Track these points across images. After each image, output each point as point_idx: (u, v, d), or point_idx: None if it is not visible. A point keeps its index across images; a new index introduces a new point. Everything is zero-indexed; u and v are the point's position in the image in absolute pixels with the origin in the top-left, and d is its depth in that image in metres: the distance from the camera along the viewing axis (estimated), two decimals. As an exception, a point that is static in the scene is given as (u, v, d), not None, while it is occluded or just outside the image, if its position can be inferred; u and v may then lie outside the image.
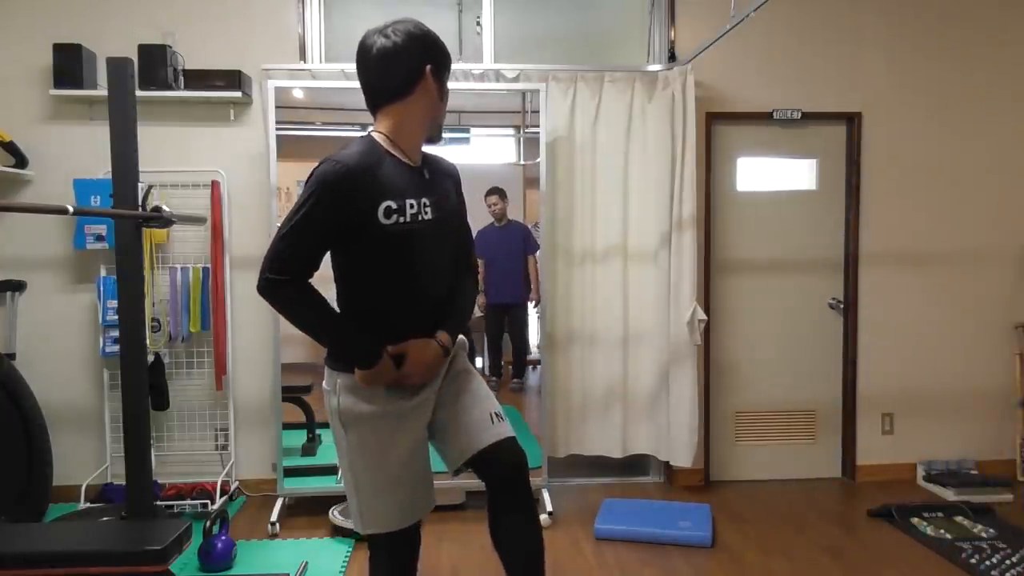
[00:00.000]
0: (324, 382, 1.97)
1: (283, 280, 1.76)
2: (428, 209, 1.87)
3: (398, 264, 1.84)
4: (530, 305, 4.02)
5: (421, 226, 1.85)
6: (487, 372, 4.13)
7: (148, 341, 3.18)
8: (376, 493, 1.92)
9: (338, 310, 1.92)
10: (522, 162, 3.96)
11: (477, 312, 4.00)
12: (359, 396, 1.88)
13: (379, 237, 1.79)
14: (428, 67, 1.86)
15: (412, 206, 1.83)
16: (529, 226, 3.97)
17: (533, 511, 2.00)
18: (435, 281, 1.94)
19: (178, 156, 3.91)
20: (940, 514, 3.74)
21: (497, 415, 1.99)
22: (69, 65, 3.71)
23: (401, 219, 1.80)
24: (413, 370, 1.89)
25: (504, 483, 1.96)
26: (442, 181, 1.98)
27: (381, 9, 4.25)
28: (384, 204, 1.78)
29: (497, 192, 3.95)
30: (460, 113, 3.99)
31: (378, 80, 1.87)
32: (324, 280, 1.90)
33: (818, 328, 4.30)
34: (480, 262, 3.91)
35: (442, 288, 1.98)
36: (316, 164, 1.81)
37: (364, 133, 1.92)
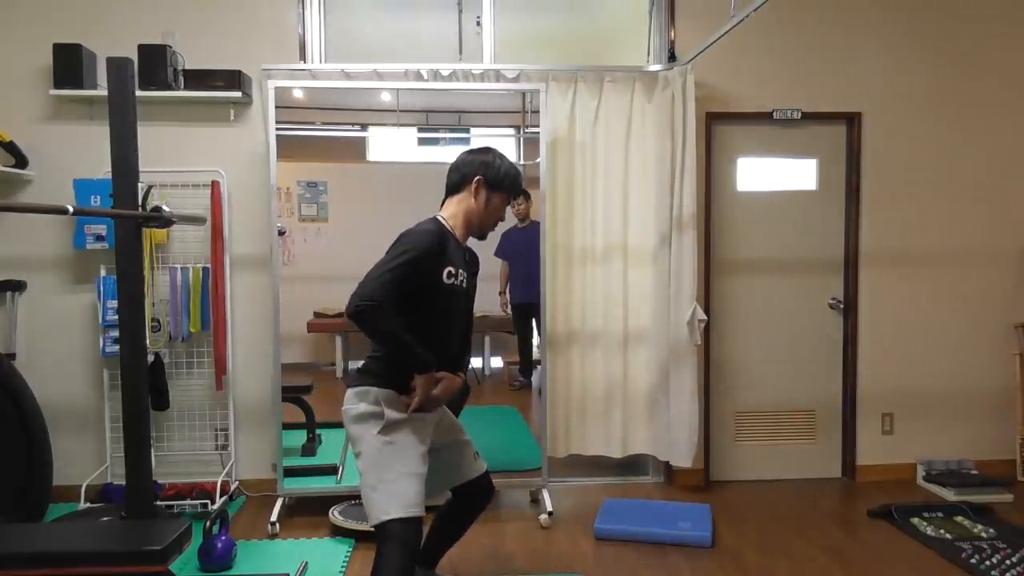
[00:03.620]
0: (350, 403, 2.41)
1: (376, 305, 2.26)
2: (464, 280, 2.50)
3: (444, 310, 2.46)
4: None
5: (461, 288, 2.49)
6: (517, 373, 4.13)
7: (148, 341, 3.18)
8: (399, 480, 2.33)
9: None
10: (522, 162, 3.96)
11: (495, 312, 4.04)
12: (395, 408, 2.40)
13: (438, 290, 2.41)
14: (478, 178, 2.50)
15: (461, 274, 2.47)
16: None
17: None
18: (459, 326, 2.57)
19: (178, 156, 3.91)
20: (940, 514, 3.74)
21: (476, 454, 2.70)
22: (69, 65, 3.70)
23: (454, 282, 2.44)
24: (441, 394, 2.45)
25: (478, 503, 2.72)
26: (473, 264, 2.65)
27: (381, 9, 4.26)
28: (447, 269, 2.41)
29: (521, 192, 3.95)
30: (460, 113, 4.00)
31: (449, 177, 2.56)
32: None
33: (818, 328, 4.30)
34: (504, 263, 3.93)
35: (462, 333, 2.61)
36: (406, 232, 2.41)
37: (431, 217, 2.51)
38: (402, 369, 2.37)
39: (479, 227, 2.57)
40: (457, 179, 2.54)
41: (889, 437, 4.30)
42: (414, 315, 2.37)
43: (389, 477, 2.32)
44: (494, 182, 2.53)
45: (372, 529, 2.33)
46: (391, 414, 2.37)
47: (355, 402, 2.41)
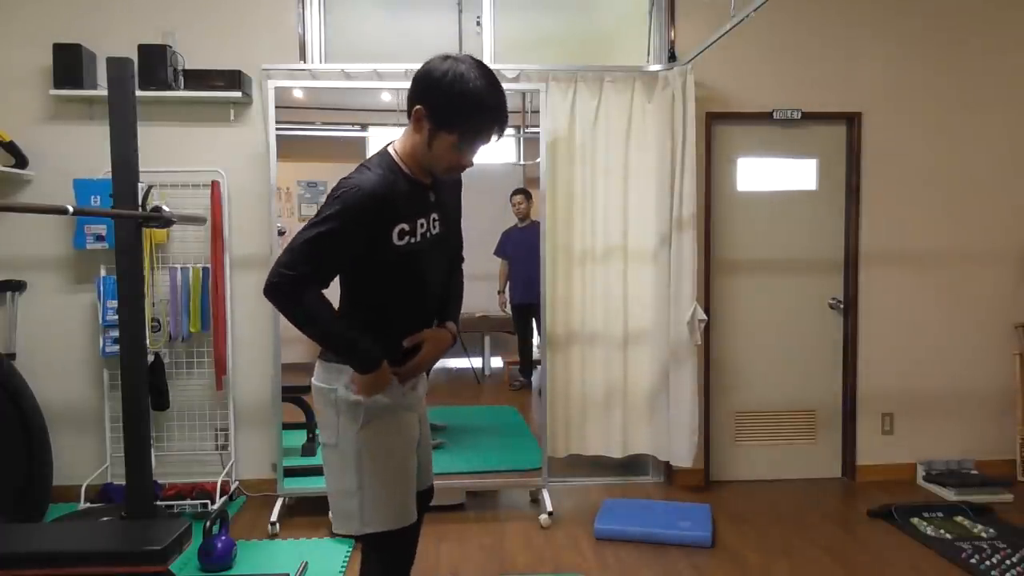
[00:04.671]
0: (321, 379, 1.95)
1: (296, 276, 1.78)
2: (436, 224, 1.96)
3: (406, 277, 1.92)
4: None
5: (427, 243, 1.93)
6: (518, 373, 4.13)
7: (148, 341, 3.18)
8: (386, 485, 1.91)
9: (342, 309, 1.97)
10: (522, 162, 3.96)
11: (495, 312, 4.04)
12: None
13: (391, 256, 1.86)
14: (418, 107, 1.82)
15: (422, 225, 1.90)
16: None
17: None
18: (436, 284, 2.04)
19: (178, 156, 3.91)
20: (940, 514, 3.73)
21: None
22: (69, 65, 3.70)
23: (412, 240, 1.88)
24: (429, 356, 1.98)
25: (426, 503, 2.17)
26: (446, 193, 2.03)
27: (381, 9, 4.26)
28: (398, 227, 1.84)
29: (522, 192, 3.96)
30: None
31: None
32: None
33: (818, 328, 4.30)
34: (504, 262, 3.93)
35: (441, 287, 2.08)
36: (339, 182, 1.87)
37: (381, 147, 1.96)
38: (381, 337, 1.89)
39: (430, 170, 1.91)
40: (408, 105, 1.86)
41: (889, 437, 4.30)
42: (373, 288, 1.91)
43: (373, 482, 1.89)
44: (439, 116, 1.80)
45: None
46: (368, 400, 1.88)
47: (325, 379, 1.93)
